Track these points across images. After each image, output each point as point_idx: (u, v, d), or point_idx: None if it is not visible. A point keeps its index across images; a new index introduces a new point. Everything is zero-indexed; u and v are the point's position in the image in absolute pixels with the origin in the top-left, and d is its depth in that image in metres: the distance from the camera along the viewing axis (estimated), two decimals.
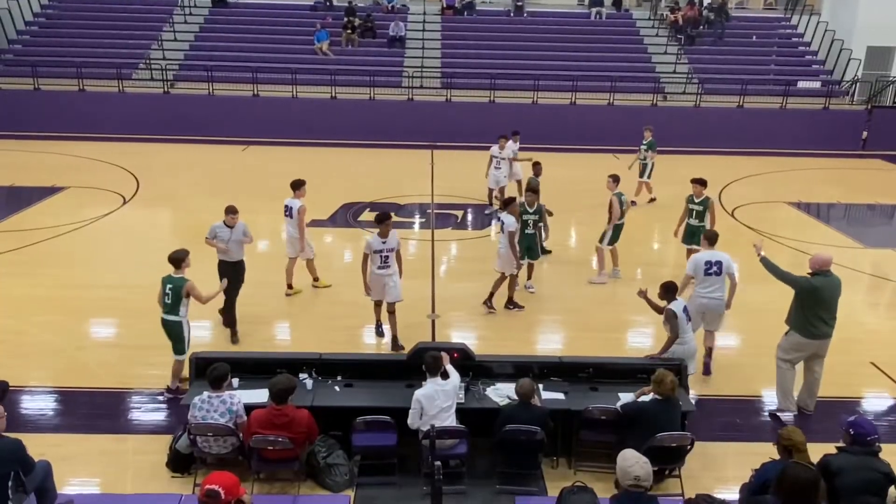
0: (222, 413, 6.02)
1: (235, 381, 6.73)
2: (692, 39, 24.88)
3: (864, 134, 21.97)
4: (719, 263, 8.34)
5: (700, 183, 10.95)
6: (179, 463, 6.44)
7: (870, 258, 12.99)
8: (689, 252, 10.53)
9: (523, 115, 21.38)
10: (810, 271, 7.43)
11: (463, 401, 6.52)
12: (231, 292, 8.89)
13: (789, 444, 4.92)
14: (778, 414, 7.73)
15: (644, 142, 15.23)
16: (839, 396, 8.16)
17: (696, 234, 10.53)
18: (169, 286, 7.54)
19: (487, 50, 23.98)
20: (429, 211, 15.09)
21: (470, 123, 20.51)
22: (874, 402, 8.22)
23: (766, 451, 5.48)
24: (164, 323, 7.68)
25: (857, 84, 23.28)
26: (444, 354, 6.44)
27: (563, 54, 23.82)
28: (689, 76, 23.05)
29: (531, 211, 10.36)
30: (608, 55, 24.09)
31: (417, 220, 14.74)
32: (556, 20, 26.05)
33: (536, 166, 12.52)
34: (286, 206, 10.31)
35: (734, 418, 7.75)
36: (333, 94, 21.53)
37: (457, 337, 9.26)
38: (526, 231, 10.31)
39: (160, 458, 6.56)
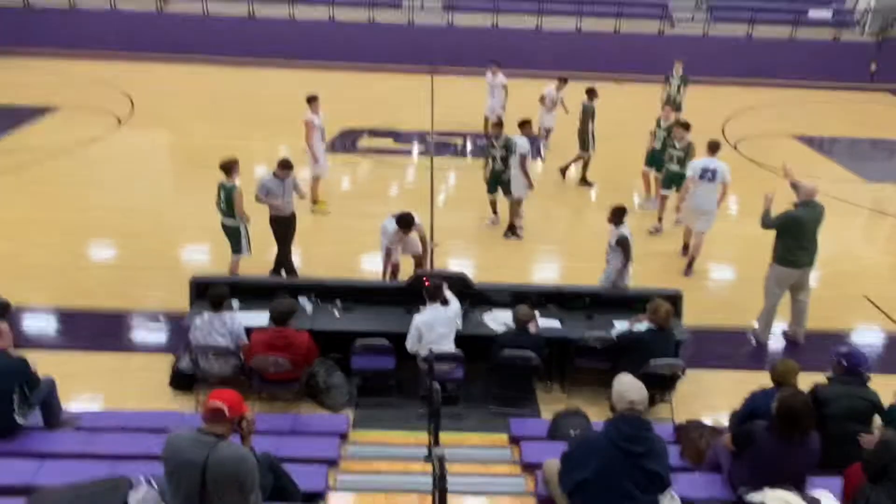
0: (223, 334, 6.09)
1: (235, 304, 6.79)
2: None
3: (873, 66, 21.53)
4: (714, 171, 9.11)
5: (684, 126, 10.10)
6: (182, 381, 6.56)
7: (870, 193, 12.95)
8: (662, 199, 10.42)
9: (527, 41, 20.91)
10: (795, 202, 7.50)
11: (461, 328, 6.58)
12: (285, 247, 8.55)
13: (782, 381, 5.02)
14: (755, 339, 8.02)
15: (676, 75, 14.38)
16: (831, 329, 8.29)
17: (675, 180, 10.08)
18: (223, 192, 8.01)
19: None
20: (428, 138, 14.90)
21: (471, 49, 19.99)
22: (865, 335, 8.34)
23: (756, 380, 5.59)
24: (223, 226, 8.20)
25: (870, 15, 22.64)
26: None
27: None
28: (699, 3, 22.38)
29: (499, 145, 9.93)
30: None
31: (416, 147, 14.57)
32: None
33: (591, 92, 11.96)
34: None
35: (726, 348, 7.88)
36: (332, 16, 20.90)
37: (455, 265, 9.29)
38: (495, 167, 10.03)
39: (163, 376, 6.68)
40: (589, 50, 20.89)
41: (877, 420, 5.12)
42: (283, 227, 8.48)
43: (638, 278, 8.01)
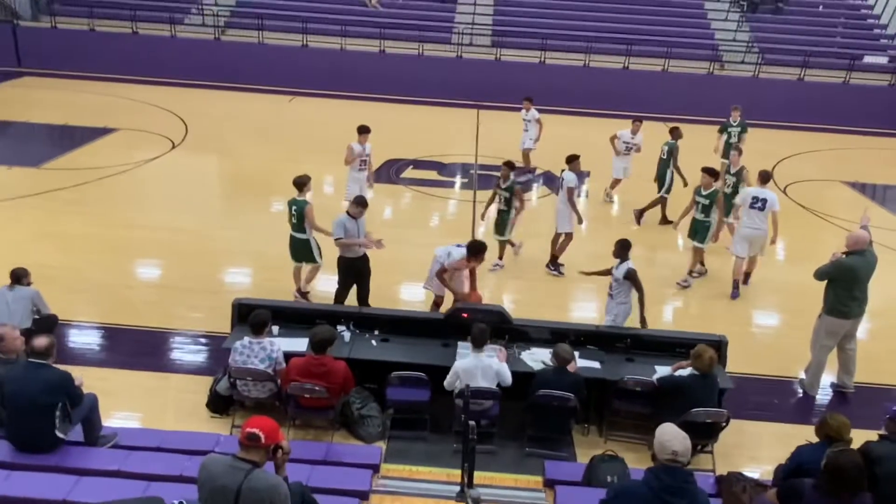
0: (262, 359, 6.14)
1: (276, 329, 6.85)
2: (755, 6, 23.89)
3: None
4: (764, 201, 9.39)
5: (710, 173, 9.67)
6: (219, 404, 6.62)
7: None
8: (695, 250, 9.96)
9: (574, 78, 20.98)
10: (845, 250, 7.30)
11: (507, 384, 6.25)
12: (364, 290, 8.33)
13: (835, 436, 4.81)
14: (802, 390, 7.77)
15: (734, 122, 13.79)
16: (883, 383, 7.97)
17: (701, 231, 9.70)
18: (294, 208, 8.42)
19: (540, 9, 23.38)
20: (472, 171, 14.98)
21: (519, 84, 20.07)
22: None
23: (802, 433, 5.40)
24: (293, 239, 8.58)
25: None
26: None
27: (619, 16, 23.12)
28: (750, 45, 22.21)
29: (503, 187, 9.91)
30: (665, 19, 23.29)
31: (459, 180, 14.65)
32: None
33: (675, 131, 11.97)
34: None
35: (772, 398, 7.64)
36: (382, 48, 21.33)
37: (493, 299, 9.24)
38: (500, 208, 10.00)
39: (201, 397, 6.75)
40: (636, 89, 20.83)
41: None
42: (358, 269, 8.17)
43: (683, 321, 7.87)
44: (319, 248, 8.62)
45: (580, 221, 10.02)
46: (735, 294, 9.69)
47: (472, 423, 4.41)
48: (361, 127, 10.82)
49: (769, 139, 18.13)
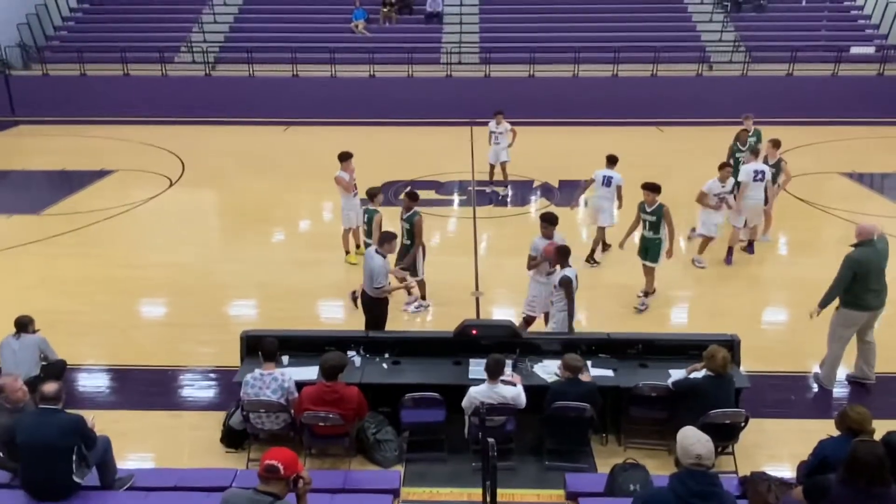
0: (274, 390, 6.11)
1: (286, 359, 6.82)
2: (738, 6, 24.06)
3: None
4: (763, 173, 10.60)
5: (651, 189, 9.12)
6: (233, 438, 6.57)
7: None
8: (645, 268, 9.41)
9: (564, 89, 21.10)
10: (855, 242, 7.26)
11: (521, 406, 6.18)
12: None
13: (858, 429, 4.76)
14: (819, 385, 7.70)
15: (750, 131, 12.52)
16: None
17: (651, 248, 9.26)
18: (366, 217, 9.32)
19: (526, 23, 23.57)
20: (469, 188, 15.01)
21: (509, 99, 20.22)
22: None
23: (822, 429, 5.34)
24: (366, 244, 9.28)
25: None
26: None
27: (604, 24, 23.28)
28: (736, 44, 22.35)
29: (404, 217, 9.22)
30: (651, 24, 23.45)
31: (457, 197, 14.68)
32: None
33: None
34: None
35: (789, 395, 7.58)
36: (372, 73, 21.49)
37: (500, 314, 9.22)
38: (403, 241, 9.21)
39: (214, 433, 6.70)
40: (627, 95, 20.96)
41: None
42: (382, 308, 7.90)
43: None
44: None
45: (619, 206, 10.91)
46: (729, 260, 10.77)
47: (491, 440, 4.37)
48: (343, 154, 10.70)
49: (762, 136, 18.17)
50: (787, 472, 5.68)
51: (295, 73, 21.49)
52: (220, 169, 16.63)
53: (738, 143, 12.32)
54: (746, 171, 10.53)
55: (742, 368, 6.94)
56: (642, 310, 9.35)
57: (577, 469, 6.15)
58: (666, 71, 21.24)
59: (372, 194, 9.41)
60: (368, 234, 9.30)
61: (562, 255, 7.53)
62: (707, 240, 10.63)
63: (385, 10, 23.72)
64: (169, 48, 22.15)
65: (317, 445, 6.27)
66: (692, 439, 3.73)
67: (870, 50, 22.19)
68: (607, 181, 10.72)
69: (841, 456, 4.32)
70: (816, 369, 7.82)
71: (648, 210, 9.18)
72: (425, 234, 9.24)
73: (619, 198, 10.83)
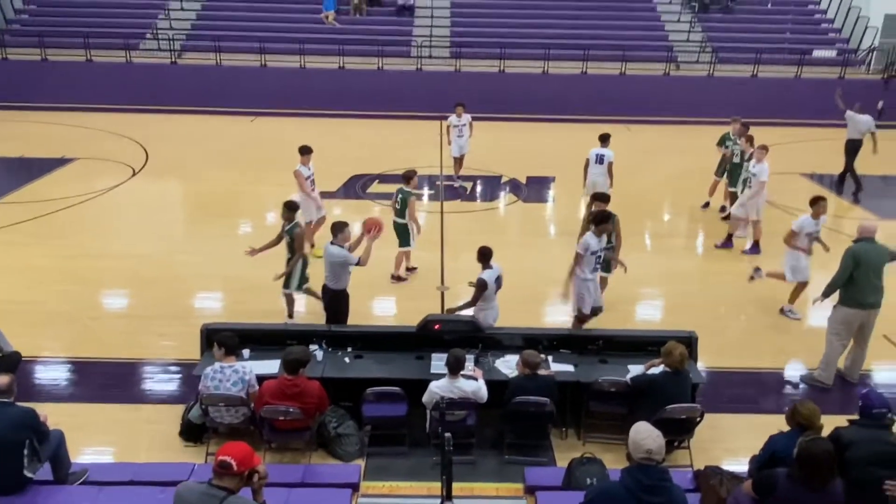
0: (235, 382, 6.06)
1: (247, 352, 6.77)
2: (706, 7, 24.40)
3: (881, 104, 21.56)
4: (755, 175, 10.90)
5: (604, 200, 8.95)
6: (192, 432, 6.51)
7: (884, 230, 12.81)
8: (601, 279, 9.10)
9: (533, 85, 21.20)
10: (856, 239, 7.51)
11: (483, 401, 6.22)
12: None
13: (807, 424, 4.89)
14: (814, 383, 7.80)
15: (733, 135, 12.65)
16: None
17: (606, 258, 8.69)
18: (400, 196, 9.72)
19: (497, 19, 23.62)
20: (438, 183, 15.01)
21: (480, 94, 20.26)
22: (887, 375, 8.16)
23: (776, 424, 5.47)
24: (394, 223, 9.77)
25: (874, 53, 22.83)
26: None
27: (575, 22, 23.45)
28: (703, 45, 22.67)
29: (286, 229, 8.52)
30: (620, 23, 23.68)
31: (426, 192, 14.68)
32: None
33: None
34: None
35: (744, 390, 7.75)
36: (341, 65, 21.33)
37: (467, 310, 9.24)
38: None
39: (173, 427, 6.63)
40: (595, 93, 21.13)
41: None
42: (344, 303, 7.82)
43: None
44: (412, 237, 9.91)
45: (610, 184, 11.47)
46: (727, 244, 11.43)
47: (448, 434, 4.40)
48: (304, 148, 10.58)
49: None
50: (741, 465, 5.81)
51: (263, 63, 21.24)
52: (184, 159, 16.39)
53: (732, 143, 12.57)
54: (767, 170, 10.85)
55: (700, 364, 7.08)
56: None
57: (536, 463, 6.23)
58: (635, 70, 21.46)
59: (408, 177, 9.78)
60: (401, 214, 9.71)
61: (482, 255, 7.52)
62: (802, 286, 9.22)
63: (356, 1, 23.57)
64: (133, 34, 21.73)
65: (277, 440, 6.24)
66: (643, 434, 3.81)
67: (831, 53, 22.68)
68: (600, 159, 11.63)
69: (790, 451, 4.44)
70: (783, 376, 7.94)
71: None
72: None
73: (611, 175, 11.50)
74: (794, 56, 21.81)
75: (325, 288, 7.83)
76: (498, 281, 7.55)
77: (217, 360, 6.19)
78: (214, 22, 22.86)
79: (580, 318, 8.26)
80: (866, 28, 23.00)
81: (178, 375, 7.68)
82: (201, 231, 12.20)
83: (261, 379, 6.15)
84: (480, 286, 7.39)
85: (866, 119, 14.72)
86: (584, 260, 7.87)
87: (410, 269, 10.31)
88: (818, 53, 22.50)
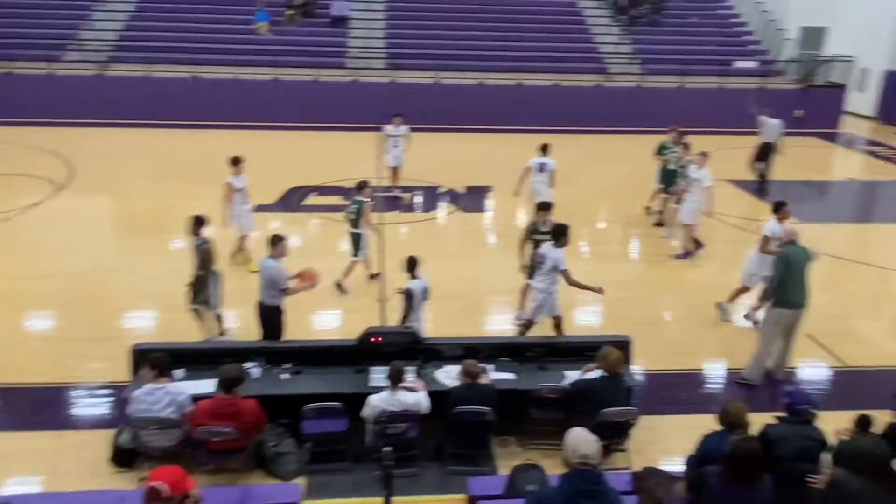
0: (167, 404, 5.87)
1: (179, 373, 6.56)
2: (634, 20, 25.14)
3: (799, 112, 22.65)
4: (698, 181, 11.32)
5: (546, 209, 9.10)
6: (123, 458, 6.26)
7: (805, 233, 13.41)
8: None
9: (470, 97, 21.40)
10: (782, 242, 7.89)
11: (425, 412, 6.20)
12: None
13: (737, 423, 5.06)
14: (743, 382, 8.06)
15: (671, 143, 13.18)
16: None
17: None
18: (354, 205, 9.82)
19: (433, 31, 23.77)
20: (377, 195, 14.93)
21: (416, 105, 20.32)
22: (811, 372, 8.51)
23: (709, 424, 5.63)
24: (350, 233, 9.92)
25: (791, 64, 23.95)
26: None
27: (509, 34, 23.78)
28: (632, 56, 23.34)
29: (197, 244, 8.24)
30: (553, 35, 24.14)
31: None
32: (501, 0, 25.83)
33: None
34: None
35: (678, 392, 7.96)
36: (276, 76, 21.06)
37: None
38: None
39: (102, 453, 6.37)
40: (530, 104, 21.49)
41: (826, 460, 5.18)
42: (279, 318, 7.63)
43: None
44: (363, 247, 10.00)
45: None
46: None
47: (387, 448, 4.36)
48: (234, 158, 10.44)
49: (656, 144, 19.06)
50: (678, 466, 5.96)
51: (194, 74, 20.78)
52: (112, 173, 15.85)
53: (670, 151, 12.98)
54: (709, 175, 11.37)
55: (635, 368, 7.24)
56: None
57: (478, 472, 6.23)
58: (567, 81, 21.91)
59: (361, 186, 9.95)
60: (356, 223, 9.81)
61: (410, 265, 7.56)
62: (744, 290, 9.41)
63: (289, 12, 23.33)
64: (56, 45, 20.94)
65: (213, 461, 6.06)
66: (579, 439, 3.86)
67: (753, 64, 23.69)
68: (541, 167, 12.00)
69: (722, 449, 4.57)
70: (716, 378, 8.19)
71: (543, 229, 8.91)
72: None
73: (553, 182, 11.97)
74: (718, 67, 22.68)
75: (259, 304, 7.67)
76: (425, 292, 7.53)
77: (148, 383, 5.99)
78: (143, 32, 22.23)
79: (527, 325, 8.38)
80: (784, 40, 24.13)
81: (108, 399, 7.38)
82: (132, 248, 11.80)
83: (196, 399, 5.98)
84: (407, 295, 7.39)
85: (778, 123, 15.48)
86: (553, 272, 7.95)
87: (374, 276, 10.38)
88: (740, 64, 23.47)
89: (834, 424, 5.45)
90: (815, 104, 22.63)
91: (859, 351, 8.63)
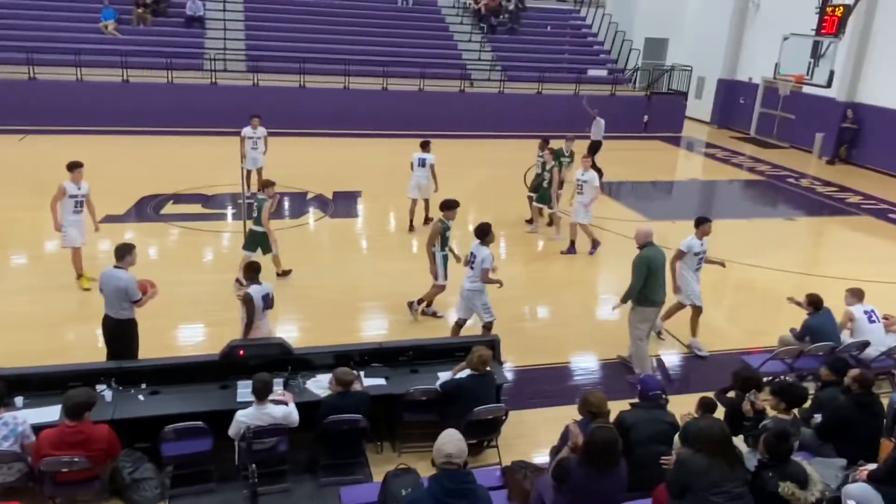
0: (5, 436, 5.36)
1: (19, 400, 6.00)
2: (493, 28, 25.94)
3: (646, 118, 24.33)
4: (585, 182, 12.00)
5: (452, 207, 9.34)
6: None
7: (654, 229, 14.40)
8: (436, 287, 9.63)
9: (335, 100, 21.18)
10: (639, 245, 8.17)
11: (294, 424, 6.06)
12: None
13: (596, 411, 5.33)
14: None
15: (566, 153, 13.88)
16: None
17: (444, 265, 9.49)
18: (255, 203, 9.99)
19: (295, 33, 23.30)
20: (240, 201, 14.41)
21: (280, 109, 19.84)
22: (665, 359, 9.11)
23: (572, 414, 5.89)
24: (252, 232, 10.07)
25: (638, 72, 25.67)
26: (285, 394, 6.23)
27: (373, 39, 23.79)
28: (493, 63, 24.07)
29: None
30: (418, 41, 24.45)
31: (230, 210, 14.07)
32: (364, 4, 25.75)
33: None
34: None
35: (544, 386, 8.27)
36: (125, 77, 19.81)
37: (276, 330, 8.95)
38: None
39: None
40: (395, 108, 21.61)
41: (676, 441, 5.58)
42: (131, 334, 7.18)
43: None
44: (272, 243, 10.12)
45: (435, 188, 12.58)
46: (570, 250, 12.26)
47: (252, 466, 4.21)
48: (72, 164, 9.63)
49: (516, 149, 19.77)
50: (545, 457, 6.19)
51: (32, 75, 19.13)
52: None
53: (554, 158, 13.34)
54: (596, 176, 12.12)
55: (506, 365, 7.45)
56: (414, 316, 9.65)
57: (352, 481, 6.15)
58: (432, 86, 22.23)
59: (264, 185, 10.24)
60: (256, 221, 9.95)
61: (250, 271, 7.40)
62: (696, 310, 9.16)
63: (139, 10, 22.04)
64: None
65: (61, 494, 5.59)
66: (444, 439, 3.92)
67: (603, 72, 25.16)
68: (421, 162, 12.76)
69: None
70: (634, 365, 8.48)
71: (450, 226, 9.27)
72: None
73: (434, 177, 12.69)
74: (573, 74, 23.88)
75: (106, 318, 7.14)
76: (266, 299, 7.34)
77: None
78: None
79: (459, 325, 8.62)
80: (630, 50, 25.82)
81: None
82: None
83: (39, 429, 5.49)
84: (246, 301, 7.16)
85: (603, 123, 17.44)
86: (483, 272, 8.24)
87: (284, 273, 10.53)
88: (593, 72, 24.84)
89: (687, 408, 5.89)
90: (659, 110, 24.40)
91: (705, 338, 9.34)
